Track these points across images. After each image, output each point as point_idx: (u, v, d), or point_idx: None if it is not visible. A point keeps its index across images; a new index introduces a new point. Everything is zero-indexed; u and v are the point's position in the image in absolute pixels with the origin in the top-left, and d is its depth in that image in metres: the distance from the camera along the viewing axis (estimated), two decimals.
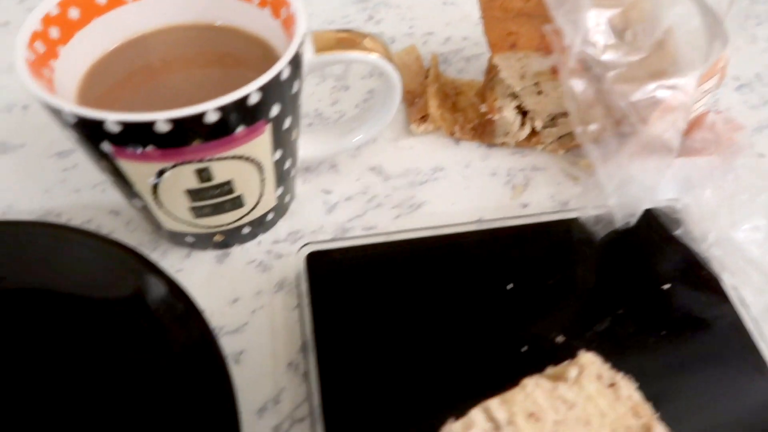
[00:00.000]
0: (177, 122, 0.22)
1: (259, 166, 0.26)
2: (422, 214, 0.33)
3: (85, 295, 0.25)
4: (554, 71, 0.32)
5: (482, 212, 0.33)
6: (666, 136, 0.25)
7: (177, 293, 0.25)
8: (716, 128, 0.31)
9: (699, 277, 0.28)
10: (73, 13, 0.26)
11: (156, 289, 0.25)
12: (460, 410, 0.21)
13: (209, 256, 0.31)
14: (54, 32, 0.25)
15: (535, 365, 0.23)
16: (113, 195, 0.33)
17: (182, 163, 0.24)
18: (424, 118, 0.37)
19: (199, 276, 0.30)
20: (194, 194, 0.26)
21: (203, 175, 0.25)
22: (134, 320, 0.25)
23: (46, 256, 0.25)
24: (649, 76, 0.26)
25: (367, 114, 0.32)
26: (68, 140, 0.36)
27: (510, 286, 0.28)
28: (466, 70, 0.41)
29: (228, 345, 0.28)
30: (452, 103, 0.38)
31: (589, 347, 0.23)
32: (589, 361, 0.23)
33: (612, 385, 0.22)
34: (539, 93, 0.34)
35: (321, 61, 0.27)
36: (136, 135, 0.22)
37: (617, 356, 0.23)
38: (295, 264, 0.30)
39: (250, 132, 0.24)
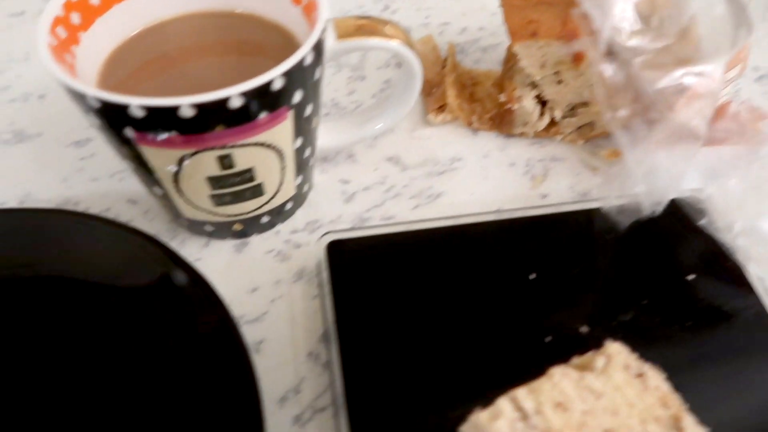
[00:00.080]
0: (201, 107, 0.21)
1: (280, 154, 0.26)
2: (441, 205, 0.33)
3: (108, 283, 0.25)
4: (576, 60, 0.32)
5: (501, 203, 0.33)
6: (693, 123, 0.25)
7: (198, 282, 0.25)
8: (740, 118, 0.31)
9: (724, 267, 0.28)
10: None
11: (178, 278, 0.25)
12: (484, 399, 0.21)
13: (228, 245, 0.31)
14: (75, 18, 0.25)
15: (559, 355, 0.23)
16: (131, 184, 0.33)
17: (204, 150, 0.23)
18: (441, 108, 0.37)
19: (218, 265, 0.30)
20: (215, 182, 0.25)
21: (225, 162, 0.24)
22: (156, 309, 0.25)
23: (70, 244, 0.25)
24: (676, 63, 0.25)
25: (387, 102, 0.32)
26: (88, 128, 0.36)
27: (533, 276, 0.27)
28: (482, 60, 0.41)
29: (248, 334, 0.28)
30: (469, 94, 0.38)
31: (613, 338, 0.23)
32: (616, 350, 0.23)
33: (640, 375, 0.22)
34: (559, 82, 0.33)
35: (342, 47, 0.27)
36: (160, 120, 0.22)
37: (642, 347, 0.23)
38: (314, 253, 0.30)
39: (272, 118, 0.24)
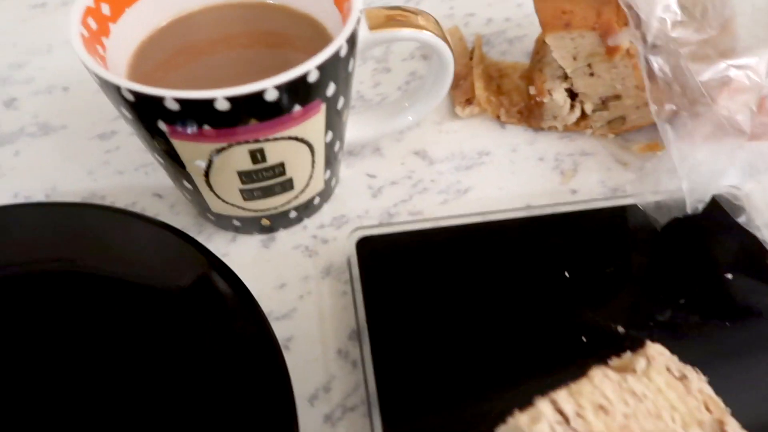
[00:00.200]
0: (235, 100, 0.21)
1: (312, 148, 0.25)
2: (469, 200, 0.32)
3: (141, 281, 0.25)
4: (609, 52, 0.31)
5: (530, 198, 0.32)
6: (738, 117, 0.24)
7: (229, 277, 0.25)
8: None
9: (763, 265, 0.27)
10: None
11: (211, 276, 0.24)
12: (520, 399, 0.20)
13: (255, 240, 0.30)
14: (105, 8, 0.25)
15: (596, 355, 0.22)
16: (157, 177, 0.33)
17: (237, 144, 0.23)
18: (468, 101, 0.36)
19: (245, 260, 0.30)
20: (246, 176, 0.25)
21: (257, 156, 0.24)
22: (190, 307, 0.24)
23: (104, 240, 0.25)
24: (719, 55, 0.25)
25: (416, 95, 0.31)
26: (113, 120, 0.35)
27: (566, 273, 0.27)
28: (509, 52, 0.40)
29: (277, 331, 0.27)
30: (496, 86, 0.37)
31: (650, 338, 0.22)
32: (657, 352, 0.22)
33: (682, 377, 0.22)
34: (591, 75, 0.33)
35: (375, 38, 0.26)
36: (194, 113, 0.21)
37: (680, 347, 0.22)
38: (342, 249, 0.29)
39: (306, 111, 0.23)
